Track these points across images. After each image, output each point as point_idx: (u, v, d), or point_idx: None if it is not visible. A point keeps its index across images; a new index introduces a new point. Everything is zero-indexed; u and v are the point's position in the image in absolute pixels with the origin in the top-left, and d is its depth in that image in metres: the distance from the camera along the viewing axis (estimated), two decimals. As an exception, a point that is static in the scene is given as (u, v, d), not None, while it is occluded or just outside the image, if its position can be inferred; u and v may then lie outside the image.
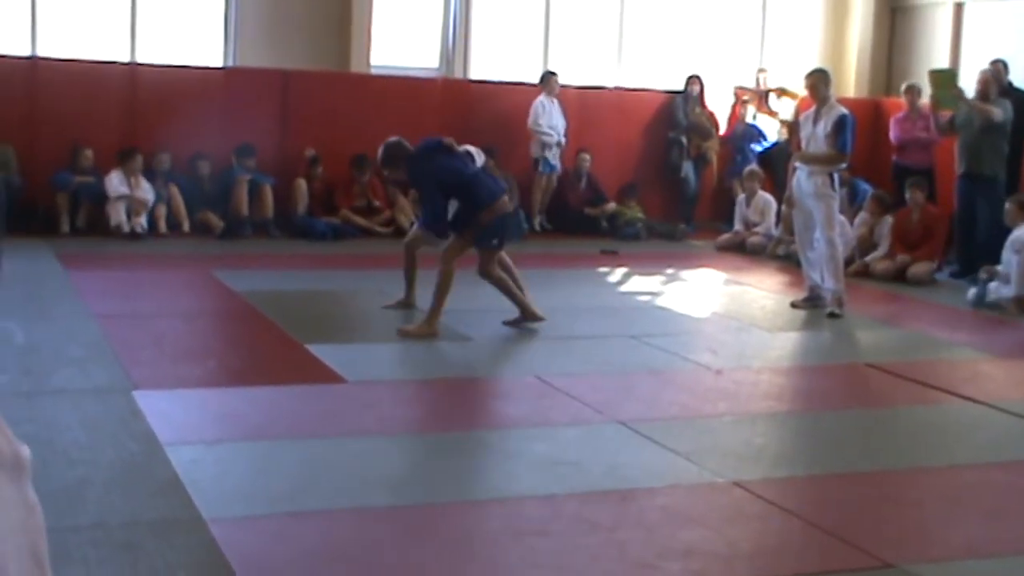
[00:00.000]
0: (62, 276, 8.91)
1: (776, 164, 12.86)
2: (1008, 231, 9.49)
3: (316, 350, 6.80)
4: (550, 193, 12.94)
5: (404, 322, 7.71)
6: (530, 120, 12.54)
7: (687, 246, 12.52)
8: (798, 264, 9.53)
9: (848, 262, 9.92)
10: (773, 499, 4.65)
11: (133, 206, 11.04)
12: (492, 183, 7.73)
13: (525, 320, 7.71)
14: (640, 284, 10.03)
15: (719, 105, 13.76)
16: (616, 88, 13.65)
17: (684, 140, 13.31)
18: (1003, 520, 4.63)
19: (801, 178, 8.86)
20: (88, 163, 11.12)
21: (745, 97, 13.78)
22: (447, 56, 13.24)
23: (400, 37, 13.14)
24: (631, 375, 6.68)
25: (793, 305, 9.09)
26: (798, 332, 8.39)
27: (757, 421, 5.89)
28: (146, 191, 11.13)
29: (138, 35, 12.17)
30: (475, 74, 13.32)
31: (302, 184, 11.75)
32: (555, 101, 12.65)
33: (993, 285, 9.29)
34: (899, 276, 10.48)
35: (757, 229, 12.21)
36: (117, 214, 10.96)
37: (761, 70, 13.93)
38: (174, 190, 11.42)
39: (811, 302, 9.00)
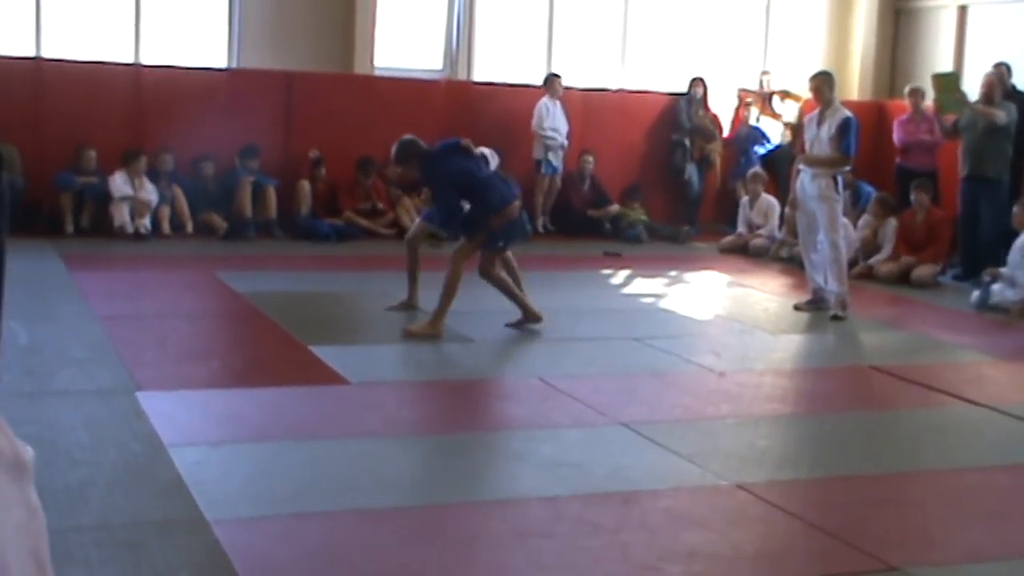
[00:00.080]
0: (66, 277, 8.92)
1: (779, 166, 12.86)
2: (1012, 233, 9.49)
3: (319, 351, 6.80)
4: (554, 195, 12.94)
5: (407, 323, 7.72)
6: (534, 123, 12.54)
7: (690, 248, 12.52)
8: (801, 266, 9.52)
9: (851, 264, 9.91)
10: (776, 502, 4.64)
11: (137, 207, 11.05)
12: (505, 188, 7.73)
13: (527, 321, 7.72)
14: (643, 286, 10.03)
15: (723, 107, 13.76)
16: (619, 90, 13.65)
17: (687, 142, 13.31)
18: (1007, 523, 4.62)
19: (805, 180, 8.85)
20: (92, 164, 11.13)
21: (749, 99, 13.77)
22: (451, 58, 13.24)
23: (404, 38, 13.14)
24: (634, 377, 6.68)
25: (796, 307, 9.08)
26: (801, 334, 8.39)
27: (760, 423, 5.89)
28: (150, 192, 11.14)
29: (142, 36, 12.18)
30: (479, 76, 13.32)
31: (305, 185, 11.76)
32: (558, 103, 12.65)
33: (996, 287, 9.29)
34: (903, 278, 10.47)
35: (760, 231, 12.20)
36: (121, 215, 10.96)
37: (765, 72, 13.92)
38: (178, 191, 11.43)
39: (814, 304, 9.00)
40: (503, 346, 7.55)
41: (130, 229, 10.94)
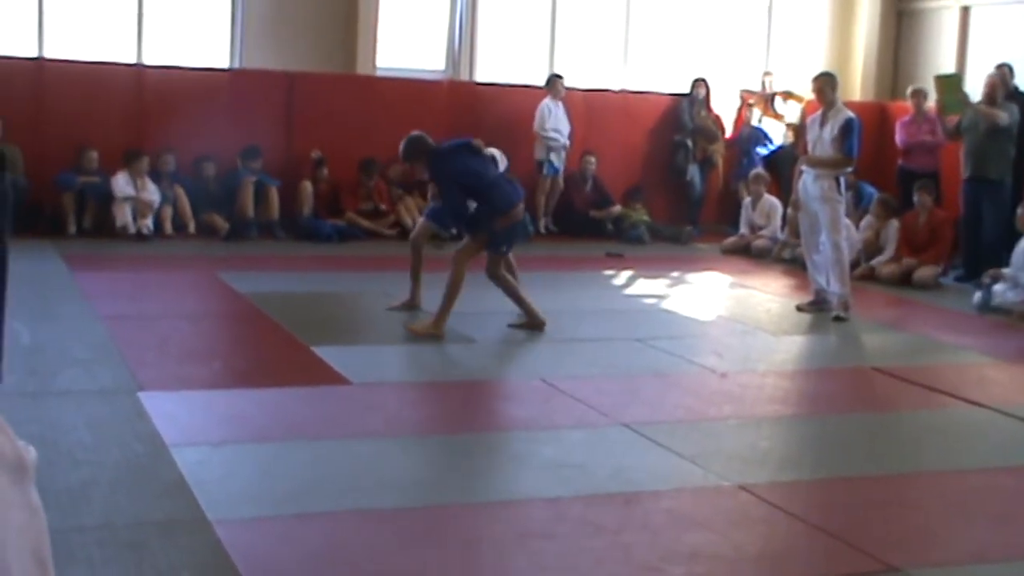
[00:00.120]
0: (68, 277, 8.93)
1: (782, 167, 12.85)
2: (1014, 235, 9.47)
3: (321, 352, 6.80)
4: (556, 196, 12.94)
5: (409, 322, 7.72)
6: (536, 124, 12.54)
7: (692, 249, 12.52)
8: (804, 267, 9.51)
9: (854, 266, 9.91)
10: (778, 503, 4.64)
11: (139, 207, 11.06)
12: (511, 190, 7.72)
13: (531, 328, 7.71)
14: (645, 287, 10.03)
15: (725, 108, 13.76)
16: (622, 91, 13.65)
17: (690, 143, 13.31)
18: (1009, 524, 4.62)
19: (807, 181, 8.85)
20: (93, 164, 11.14)
21: (751, 100, 13.77)
22: (453, 58, 13.24)
23: (406, 39, 13.14)
24: (636, 378, 6.68)
25: (799, 308, 9.08)
26: (803, 336, 8.38)
27: (762, 424, 5.88)
28: (152, 192, 11.15)
29: (144, 36, 12.19)
30: (481, 76, 13.33)
31: (307, 186, 11.76)
32: (561, 104, 12.65)
33: (998, 289, 9.28)
34: (904, 280, 10.47)
35: (763, 232, 12.20)
36: (123, 215, 10.97)
37: (767, 73, 13.92)
38: (180, 191, 11.44)
39: (817, 306, 9.00)
40: (505, 347, 7.55)
41: (132, 229, 10.95)
